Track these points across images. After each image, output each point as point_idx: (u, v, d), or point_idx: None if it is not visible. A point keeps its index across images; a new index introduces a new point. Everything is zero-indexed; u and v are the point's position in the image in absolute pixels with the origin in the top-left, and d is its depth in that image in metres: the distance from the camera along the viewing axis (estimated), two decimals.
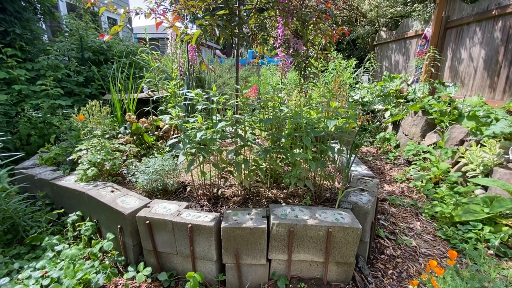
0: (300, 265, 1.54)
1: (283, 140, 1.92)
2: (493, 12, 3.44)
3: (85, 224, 1.87)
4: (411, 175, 2.97)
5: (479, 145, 2.65)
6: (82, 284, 1.52)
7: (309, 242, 1.46)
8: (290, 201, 1.82)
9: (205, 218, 1.49)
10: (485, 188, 2.38)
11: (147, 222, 1.51)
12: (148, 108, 2.98)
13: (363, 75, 5.75)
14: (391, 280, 1.66)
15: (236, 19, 2.25)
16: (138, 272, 1.59)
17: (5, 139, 2.10)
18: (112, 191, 1.86)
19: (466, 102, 3.42)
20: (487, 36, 3.62)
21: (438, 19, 4.34)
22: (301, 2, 2.33)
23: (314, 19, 2.34)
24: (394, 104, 4.53)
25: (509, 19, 3.28)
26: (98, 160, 2.04)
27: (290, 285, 1.52)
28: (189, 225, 1.43)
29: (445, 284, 1.25)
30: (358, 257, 1.70)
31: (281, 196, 1.89)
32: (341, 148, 1.76)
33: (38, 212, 2.14)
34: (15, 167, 2.45)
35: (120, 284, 1.60)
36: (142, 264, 1.62)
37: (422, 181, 2.79)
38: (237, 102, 1.81)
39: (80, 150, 2.19)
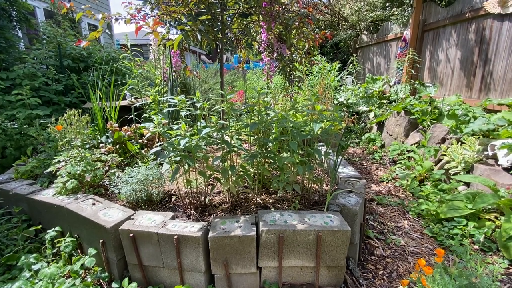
0: (291, 271, 1.51)
1: (270, 144, 1.90)
2: (467, 15, 3.60)
3: (65, 240, 1.78)
4: (397, 174, 3.03)
5: (460, 143, 2.73)
6: None
7: (299, 248, 1.44)
8: (279, 206, 1.80)
9: (192, 228, 1.44)
10: (467, 184, 2.45)
11: (131, 235, 1.44)
12: (131, 115, 2.90)
13: (347, 77, 5.87)
14: (382, 281, 1.67)
15: (219, 24, 2.24)
16: None
17: None
18: (94, 204, 1.78)
19: (445, 102, 3.54)
20: (462, 37, 3.78)
21: (415, 22, 4.50)
22: (284, 7, 2.34)
23: (296, 23, 2.36)
24: (377, 105, 4.63)
25: (482, 21, 3.44)
26: (78, 172, 1.95)
27: None
28: (175, 237, 1.38)
29: (434, 283, 1.26)
30: (349, 259, 1.69)
31: (270, 201, 1.86)
32: (328, 151, 1.76)
33: (13, 229, 2.01)
34: None
35: None
36: (126, 279, 1.55)
37: (407, 180, 2.84)
38: (222, 107, 1.79)
39: (59, 161, 2.09)
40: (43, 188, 2.13)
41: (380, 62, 6.00)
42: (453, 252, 1.83)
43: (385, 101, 4.61)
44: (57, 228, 1.86)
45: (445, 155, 2.76)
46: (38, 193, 2.02)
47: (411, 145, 3.34)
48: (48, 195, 1.96)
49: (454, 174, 2.54)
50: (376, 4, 6.26)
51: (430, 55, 4.45)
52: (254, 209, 1.75)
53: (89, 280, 1.59)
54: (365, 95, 4.93)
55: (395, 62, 4.94)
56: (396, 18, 5.12)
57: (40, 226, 1.99)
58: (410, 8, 4.86)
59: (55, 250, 1.82)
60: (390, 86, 4.78)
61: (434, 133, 3.12)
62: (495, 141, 2.47)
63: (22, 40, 5.27)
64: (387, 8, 6.02)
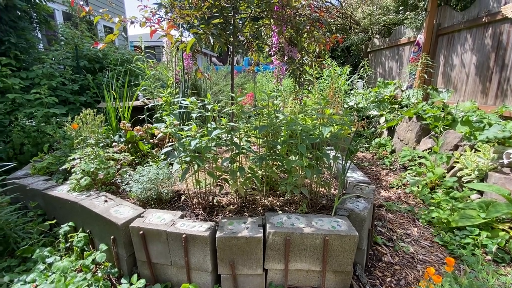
0: (297, 274, 1.51)
1: (278, 147, 1.91)
2: (483, 19, 3.52)
3: (77, 235, 1.84)
4: (407, 181, 2.98)
5: (474, 150, 2.67)
6: None
7: (305, 251, 1.44)
8: (287, 208, 1.81)
9: (200, 227, 1.47)
10: (481, 193, 2.39)
11: (141, 232, 1.48)
12: (143, 116, 2.97)
13: (357, 81, 5.82)
14: None
15: (231, 27, 2.27)
16: (131, 284, 1.56)
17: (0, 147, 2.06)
18: (106, 201, 1.83)
19: (459, 108, 3.46)
20: (478, 42, 3.69)
21: (429, 26, 4.42)
22: (295, 11, 2.36)
23: (308, 27, 2.37)
24: (388, 110, 4.57)
25: (499, 26, 3.35)
26: (92, 169, 2.01)
27: None
28: (184, 235, 1.41)
29: None
30: (356, 265, 1.68)
31: (277, 203, 1.87)
32: (337, 155, 1.76)
33: (29, 223, 2.09)
34: (7, 177, 2.41)
35: None
36: (135, 276, 1.59)
37: (418, 187, 2.79)
38: (232, 109, 1.81)
39: (74, 159, 2.16)
40: (58, 184, 2.21)
41: (392, 67, 5.93)
42: (464, 262, 1.79)
43: (396, 106, 4.54)
44: (70, 223, 1.92)
45: (458, 162, 2.70)
46: (54, 189, 2.09)
47: (423, 151, 3.28)
48: (63, 191, 2.03)
49: (467, 182, 2.48)
50: (389, 8, 6.20)
51: (444, 60, 4.36)
52: (261, 211, 1.76)
53: (100, 275, 1.63)
54: (376, 99, 4.87)
55: (407, 67, 4.87)
56: (409, 22, 5.06)
57: (55, 220, 2.06)
58: (424, 12, 4.79)
59: (68, 245, 1.88)
60: (402, 91, 4.71)
61: (446, 140, 3.05)
62: (511, 149, 2.40)
63: (41, 41, 5.48)
64: (400, 12, 5.95)
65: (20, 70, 4.04)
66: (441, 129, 3.28)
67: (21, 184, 2.25)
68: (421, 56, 4.39)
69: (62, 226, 1.92)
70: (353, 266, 1.59)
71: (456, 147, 2.93)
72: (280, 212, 1.71)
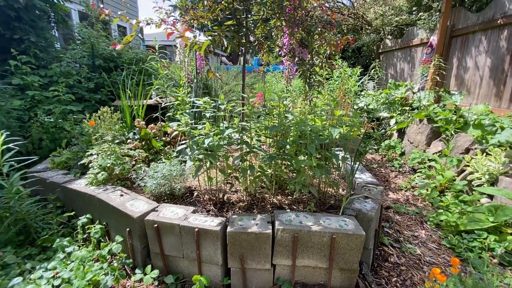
0: (304, 270, 1.56)
1: (288, 147, 1.96)
2: (499, 21, 3.46)
3: (94, 226, 1.93)
4: (416, 183, 2.97)
5: (485, 154, 2.64)
6: (91, 285, 1.57)
7: (313, 248, 1.49)
8: (295, 207, 1.85)
9: (211, 222, 1.53)
10: (491, 197, 2.37)
11: (155, 225, 1.55)
12: (157, 114, 3.06)
13: (368, 82, 5.79)
14: (395, 287, 1.67)
15: (243, 29, 2.32)
16: (145, 274, 1.63)
17: (19, 143, 2.18)
18: (121, 195, 1.92)
19: (472, 111, 3.42)
20: (492, 44, 3.63)
21: (443, 27, 4.37)
22: (307, 13, 2.39)
23: (319, 29, 2.40)
24: (399, 112, 4.54)
25: None
26: (108, 165, 2.10)
27: None
28: (196, 229, 1.47)
29: None
30: (362, 264, 1.71)
31: (286, 202, 1.92)
32: (346, 156, 1.79)
33: (49, 214, 2.21)
34: (28, 171, 2.53)
35: (128, 286, 1.64)
36: (149, 266, 1.66)
37: (427, 189, 2.78)
38: (243, 110, 1.87)
39: (91, 154, 2.26)
40: (76, 178, 2.31)
41: (404, 68, 5.87)
42: (470, 264, 1.80)
43: (407, 108, 4.50)
44: (88, 215, 2.02)
45: (468, 165, 2.68)
46: (72, 182, 2.20)
47: (433, 154, 3.26)
48: (80, 185, 2.13)
49: (477, 186, 2.46)
50: (402, 8, 6.13)
51: (457, 62, 4.30)
52: (270, 209, 1.81)
53: (115, 264, 1.72)
54: (387, 101, 4.84)
55: (419, 68, 4.82)
56: (422, 23, 5.00)
57: (73, 212, 2.17)
58: (438, 13, 4.72)
59: (85, 236, 1.97)
60: (414, 93, 4.67)
61: (457, 143, 3.03)
62: None
63: (59, 41, 5.67)
64: (414, 13, 5.87)
65: (39, 68, 4.21)
66: (452, 132, 3.25)
67: (41, 177, 2.37)
68: (434, 58, 4.34)
69: (80, 218, 2.01)
70: (359, 265, 1.63)
71: (467, 151, 2.91)
72: (288, 210, 1.76)
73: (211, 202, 1.84)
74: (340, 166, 2.02)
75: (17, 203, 2.00)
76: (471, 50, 4.02)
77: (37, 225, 2.08)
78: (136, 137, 2.70)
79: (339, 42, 2.54)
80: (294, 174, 2.19)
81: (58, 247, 1.85)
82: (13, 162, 2.03)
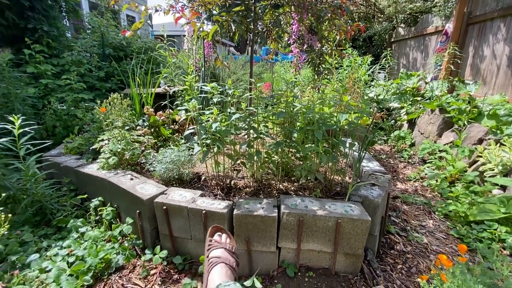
0: (309, 254, 1.58)
1: (295, 134, 1.95)
2: None
3: (106, 209, 2.00)
4: (425, 174, 2.93)
5: (499, 144, 2.57)
6: (104, 263, 1.64)
7: (318, 232, 1.50)
8: (301, 193, 1.86)
9: (218, 205, 1.56)
10: (504, 188, 2.32)
11: (164, 207, 1.60)
12: (165, 102, 3.09)
13: (379, 72, 5.65)
14: (400, 274, 1.67)
15: (252, 15, 2.30)
16: (154, 254, 1.69)
17: (34, 128, 2.25)
18: (132, 179, 1.97)
19: (487, 101, 3.31)
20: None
21: (460, 14, 4.20)
22: None
23: (329, 15, 2.35)
24: (410, 102, 4.43)
25: None
26: (119, 150, 2.15)
27: (299, 273, 1.56)
28: (204, 212, 1.51)
29: (454, 278, 1.25)
30: (367, 250, 1.72)
31: (292, 188, 1.93)
32: (353, 142, 1.78)
33: (63, 197, 2.29)
34: (43, 155, 2.62)
35: (138, 265, 1.70)
36: (158, 247, 1.72)
37: (436, 180, 2.74)
38: (251, 95, 1.87)
39: (102, 140, 2.31)
40: (88, 163, 2.38)
41: (417, 57, 5.69)
42: (479, 253, 1.78)
43: (418, 98, 4.39)
44: (99, 198, 2.09)
45: (481, 156, 2.62)
46: (85, 166, 2.27)
47: (444, 144, 3.19)
48: (92, 169, 2.19)
49: (489, 177, 2.41)
50: None
51: (473, 51, 4.14)
52: (276, 194, 1.83)
53: (126, 245, 1.78)
54: (398, 91, 4.73)
55: (433, 57, 4.67)
56: (438, 10, 4.82)
57: (86, 195, 2.24)
58: None
59: (97, 217, 2.05)
60: (426, 83, 4.54)
61: (470, 133, 2.95)
62: None
63: (69, 30, 5.74)
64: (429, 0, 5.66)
65: (51, 57, 4.29)
66: (465, 122, 3.16)
67: (56, 161, 2.45)
68: (449, 46, 4.19)
69: (92, 200, 2.08)
70: (365, 251, 1.63)
71: (480, 141, 2.83)
72: (294, 195, 1.77)
73: (218, 187, 1.87)
74: (348, 153, 2.00)
75: (34, 185, 2.08)
76: (488, 38, 3.86)
77: (52, 207, 2.17)
78: (145, 124, 2.75)
79: (349, 28, 2.48)
80: (300, 161, 2.19)
81: (72, 228, 1.93)
82: (29, 146, 2.11)
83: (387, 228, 2.05)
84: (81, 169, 2.21)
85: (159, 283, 1.58)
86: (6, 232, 1.66)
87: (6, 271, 1.55)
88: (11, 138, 2.03)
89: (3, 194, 1.89)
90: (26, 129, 2.08)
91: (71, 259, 1.63)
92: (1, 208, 1.82)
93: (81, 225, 1.95)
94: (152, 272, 1.64)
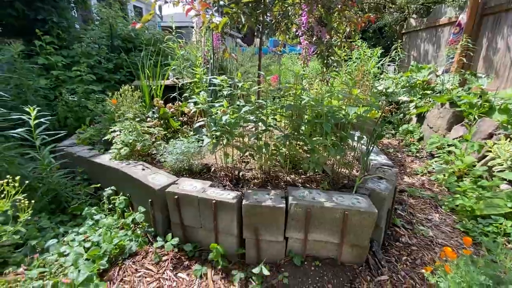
0: (316, 244, 1.62)
1: (303, 127, 1.97)
2: None
3: (118, 198, 2.07)
4: (433, 168, 2.92)
5: (509, 139, 2.54)
6: (118, 249, 1.71)
7: (325, 223, 1.54)
8: (308, 185, 1.89)
9: (227, 195, 1.61)
10: (511, 183, 2.30)
11: (176, 197, 1.65)
12: (174, 94, 3.12)
13: (388, 65, 5.56)
14: (404, 265, 1.71)
15: (261, 6, 2.28)
16: (166, 241, 1.76)
17: (48, 118, 2.32)
18: (143, 169, 2.02)
19: (499, 95, 3.25)
20: None
21: (474, 5, 4.07)
22: None
23: (339, 6, 2.32)
24: (420, 96, 4.37)
25: None
26: (130, 141, 2.21)
27: (305, 262, 1.61)
28: (213, 201, 1.55)
29: (458, 269, 1.28)
30: (373, 241, 1.75)
31: (299, 180, 1.96)
32: (361, 136, 1.79)
33: (77, 186, 2.37)
34: (57, 145, 2.70)
35: (150, 251, 1.77)
36: (170, 235, 1.78)
37: (444, 174, 2.74)
38: (260, 87, 1.88)
39: (114, 131, 2.37)
40: (100, 153, 2.45)
41: (428, 50, 5.57)
42: (483, 246, 1.79)
43: (429, 92, 4.32)
44: (112, 187, 2.15)
45: (490, 151, 2.59)
46: (97, 157, 2.33)
47: (453, 139, 3.16)
48: (105, 159, 2.26)
49: (498, 172, 2.39)
50: None
51: (487, 43, 4.04)
52: (284, 186, 1.86)
53: (139, 232, 1.85)
54: (407, 84, 4.66)
55: (445, 50, 4.56)
56: (452, 0, 4.67)
57: (99, 184, 2.32)
58: None
59: (110, 206, 2.12)
60: (437, 76, 4.46)
61: (480, 128, 2.91)
62: None
63: (78, 21, 5.77)
64: None
65: (61, 48, 4.34)
66: (476, 116, 3.12)
67: (70, 152, 2.53)
68: (462, 38, 4.09)
69: (105, 189, 2.16)
70: (370, 242, 1.67)
71: (490, 136, 2.80)
72: (301, 187, 1.80)
73: (227, 178, 1.92)
74: (355, 146, 2.02)
75: (49, 174, 2.16)
76: (503, 30, 3.75)
77: (67, 195, 2.25)
78: (155, 115, 2.79)
79: (359, 19, 2.45)
80: (308, 154, 2.21)
81: (87, 215, 2.01)
82: (45, 136, 2.18)
83: (393, 220, 2.07)
84: (94, 159, 2.28)
85: (171, 268, 1.65)
86: (28, 218, 1.74)
87: (26, 255, 1.63)
88: (27, 128, 2.10)
89: (26, 182, 1.97)
90: (42, 119, 2.15)
91: (87, 245, 1.71)
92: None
93: (96, 212, 2.03)
94: (164, 258, 1.72)
